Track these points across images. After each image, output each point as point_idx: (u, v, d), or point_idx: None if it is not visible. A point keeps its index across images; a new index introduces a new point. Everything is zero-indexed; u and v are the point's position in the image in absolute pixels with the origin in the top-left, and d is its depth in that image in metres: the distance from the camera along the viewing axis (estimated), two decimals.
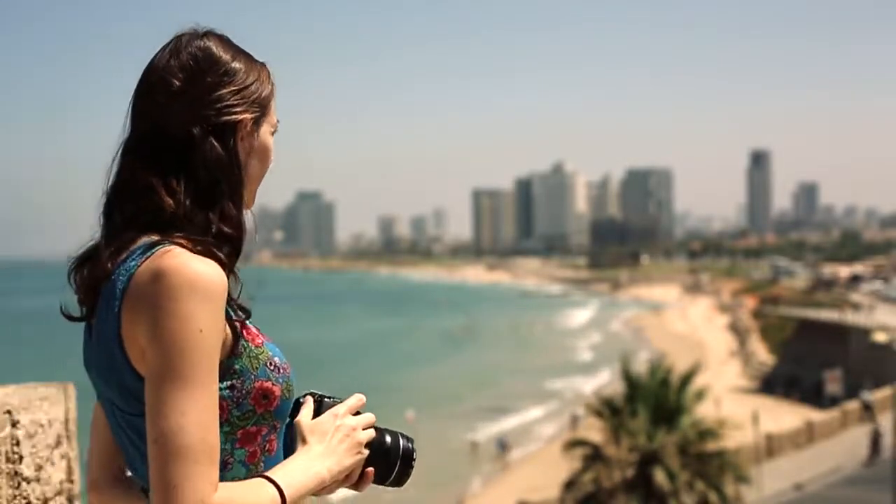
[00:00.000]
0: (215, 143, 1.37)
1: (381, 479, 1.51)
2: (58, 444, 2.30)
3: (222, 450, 1.29)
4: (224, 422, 1.31)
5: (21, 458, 2.14)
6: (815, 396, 45.29)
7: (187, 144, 1.36)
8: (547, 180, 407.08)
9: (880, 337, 48.46)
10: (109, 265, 1.33)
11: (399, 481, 1.52)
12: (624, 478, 21.24)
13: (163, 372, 1.23)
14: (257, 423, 1.35)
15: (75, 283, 1.41)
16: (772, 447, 32.17)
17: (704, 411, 24.70)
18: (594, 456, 21.80)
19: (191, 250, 1.30)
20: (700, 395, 23.19)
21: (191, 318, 1.23)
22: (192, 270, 1.25)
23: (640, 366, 30.41)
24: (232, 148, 1.39)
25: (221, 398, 1.29)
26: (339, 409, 1.47)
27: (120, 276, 1.30)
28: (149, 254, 1.29)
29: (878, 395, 37.96)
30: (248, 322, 1.38)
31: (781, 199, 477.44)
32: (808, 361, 51.13)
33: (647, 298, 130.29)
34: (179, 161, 1.36)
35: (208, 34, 1.44)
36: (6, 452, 2.10)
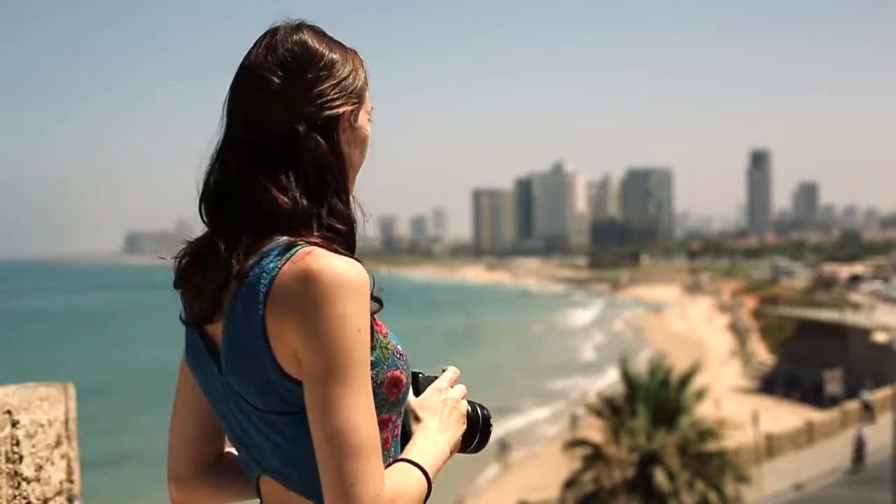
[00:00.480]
0: (320, 139, 1.38)
1: (464, 448, 1.56)
2: (58, 444, 2.30)
3: None
4: None
5: (21, 458, 2.14)
6: (815, 396, 45.28)
7: (292, 141, 1.37)
8: (547, 180, 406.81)
9: (880, 337, 48.45)
10: (241, 267, 1.32)
11: (478, 448, 1.58)
12: (624, 478, 21.25)
13: (327, 374, 1.26)
14: (389, 410, 1.39)
15: (192, 284, 1.41)
16: (772, 447, 32.17)
17: (704, 411, 24.70)
18: (594, 456, 21.81)
19: (328, 249, 1.32)
20: (700, 395, 23.19)
21: (348, 319, 1.26)
22: (342, 271, 1.27)
23: (640, 366, 30.40)
24: (336, 142, 1.40)
25: None
26: (441, 383, 1.54)
27: (261, 279, 1.30)
28: (288, 256, 1.30)
29: (878, 395, 37.97)
30: None
31: (781, 199, 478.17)
32: (808, 361, 51.11)
33: (647, 298, 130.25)
34: (286, 159, 1.36)
35: (302, 27, 1.44)
36: (6, 452, 2.10)
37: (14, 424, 2.13)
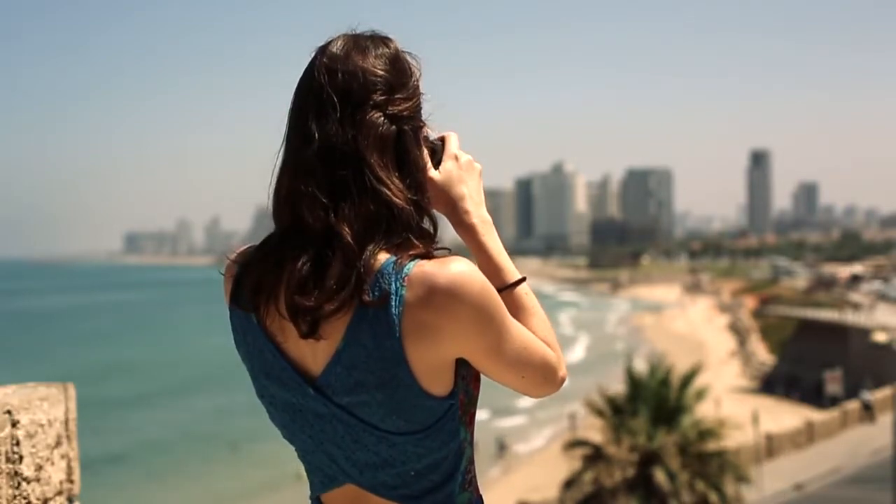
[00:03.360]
0: (418, 145, 1.44)
1: None
2: (58, 444, 2.30)
3: (463, 438, 1.41)
4: (463, 413, 1.40)
5: (21, 458, 2.14)
6: (815, 396, 45.30)
7: (399, 144, 1.39)
8: (547, 180, 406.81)
9: (880, 337, 48.45)
10: (365, 288, 1.30)
11: None
12: (624, 477, 21.24)
13: (499, 343, 1.36)
14: (474, 404, 1.45)
15: (301, 302, 1.33)
16: (772, 447, 32.17)
17: (704, 411, 24.69)
18: (594, 456, 21.80)
19: (434, 255, 1.35)
20: (700, 394, 23.18)
21: (492, 301, 1.34)
22: (468, 272, 1.32)
23: (640, 366, 30.37)
24: (423, 150, 1.46)
25: (461, 390, 1.39)
26: (452, 152, 1.55)
27: (390, 303, 1.30)
28: (406, 272, 1.30)
29: (878, 395, 37.98)
30: None
31: (781, 199, 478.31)
32: (808, 361, 51.11)
33: (648, 298, 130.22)
34: (395, 160, 1.39)
35: (392, 40, 1.46)
36: (6, 452, 2.10)
37: (14, 424, 2.12)
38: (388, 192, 1.34)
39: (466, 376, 1.39)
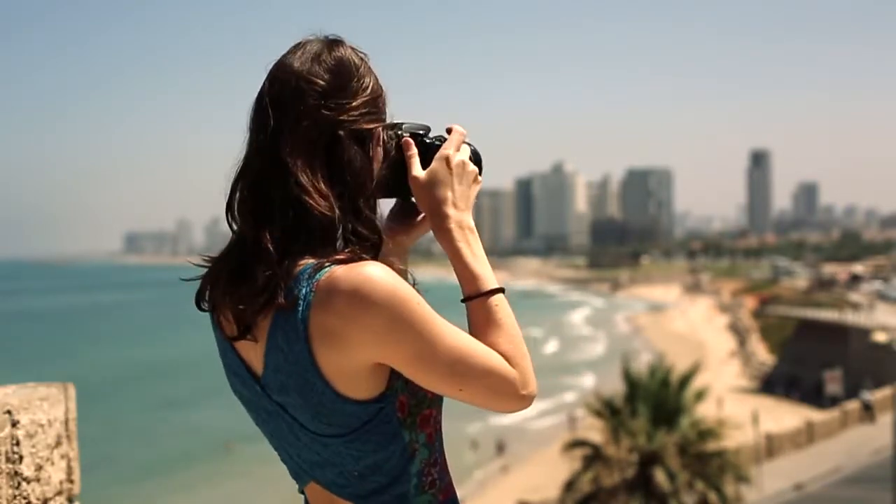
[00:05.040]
0: (358, 149, 1.41)
1: None
2: (58, 444, 2.30)
3: (410, 440, 1.39)
4: (406, 415, 1.38)
5: (21, 458, 2.14)
6: (815, 396, 45.33)
7: (333, 149, 1.39)
8: (547, 180, 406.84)
9: (880, 337, 48.50)
10: (280, 293, 1.32)
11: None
12: (624, 478, 21.24)
13: (419, 349, 1.32)
14: (430, 405, 1.42)
15: (226, 303, 1.39)
16: (772, 447, 32.18)
17: (705, 411, 24.70)
18: (594, 456, 21.80)
19: (355, 259, 1.33)
20: (700, 395, 23.18)
21: (403, 306, 1.30)
22: (376, 275, 1.30)
23: (641, 366, 30.38)
24: (369, 154, 1.43)
25: (400, 392, 1.37)
26: (444, 152, 1.51)
27: (297, 307, 1.31)
28: (318, 277, 1.31)
29: (878, 395, 37.99)
30: None
31: (781, 199, 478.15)
32: (808, 361, 51.12)
33: (647, 298, 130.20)
34: (325, 165, 1.38)
35: (342, 42, 1.46)
36: (6, 452, 2.10)
37: (14, 424, 2.12)
38: (309, 199, 1.34)
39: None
